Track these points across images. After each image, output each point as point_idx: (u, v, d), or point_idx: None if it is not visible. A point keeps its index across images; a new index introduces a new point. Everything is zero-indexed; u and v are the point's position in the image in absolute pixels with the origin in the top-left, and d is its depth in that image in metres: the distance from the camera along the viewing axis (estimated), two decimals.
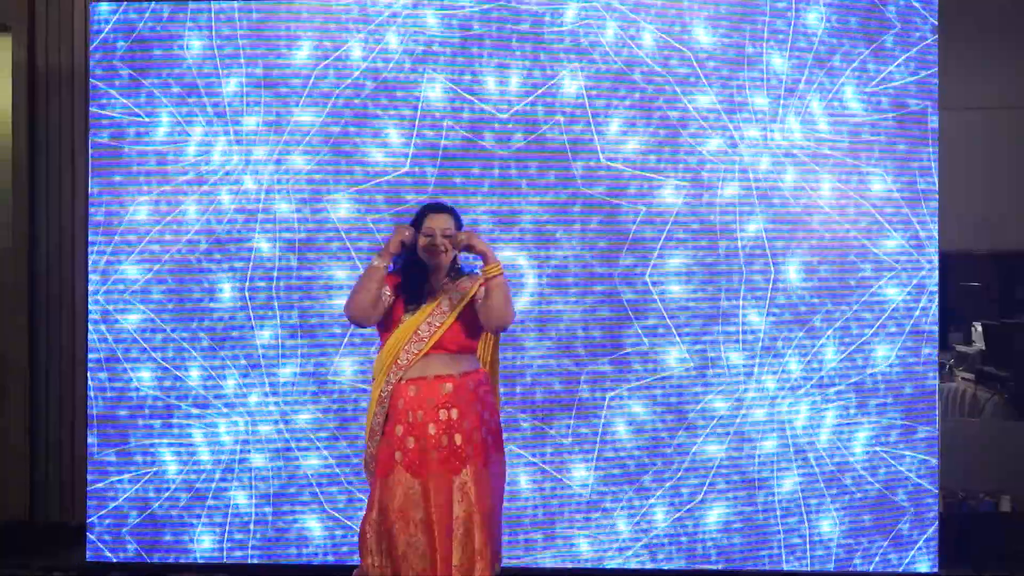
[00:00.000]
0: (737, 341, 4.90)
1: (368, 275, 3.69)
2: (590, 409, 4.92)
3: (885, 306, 4.91)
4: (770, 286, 4.90)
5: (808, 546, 4.92)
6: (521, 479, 4.92)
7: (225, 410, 4.99)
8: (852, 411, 4.91)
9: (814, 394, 4.91)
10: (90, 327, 5.03)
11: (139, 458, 5.02)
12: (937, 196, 4.90)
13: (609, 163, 4.90)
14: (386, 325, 3.77)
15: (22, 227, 5.53)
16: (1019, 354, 6.26)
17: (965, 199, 5.55)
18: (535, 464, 4.92)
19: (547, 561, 4.92)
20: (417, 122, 4.94)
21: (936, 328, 4.93)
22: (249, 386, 4.98)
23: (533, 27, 4.94)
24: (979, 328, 6.62)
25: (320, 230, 4.95)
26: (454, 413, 3.69)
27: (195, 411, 5.00)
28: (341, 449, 4.94)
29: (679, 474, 4.91)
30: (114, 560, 5.03)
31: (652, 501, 4.91)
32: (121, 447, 5.02)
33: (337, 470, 4.94)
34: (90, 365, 5.03)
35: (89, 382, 5.03)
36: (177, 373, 5.01)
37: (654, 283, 4.90)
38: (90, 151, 5.01)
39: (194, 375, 4.99)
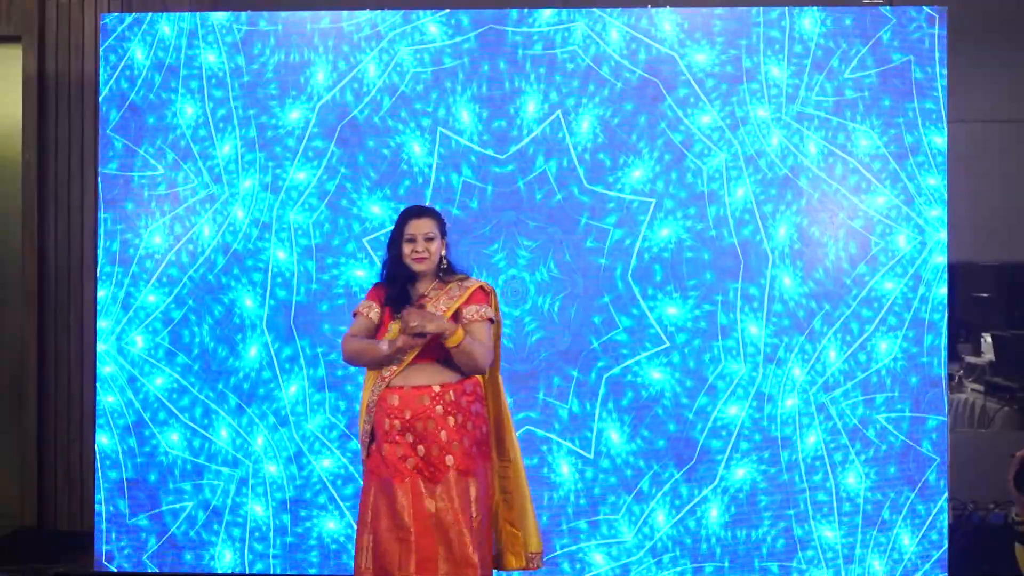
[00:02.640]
0: (737, 355, 4.90)
1: (373, 353, 3.70)
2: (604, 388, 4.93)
3: (883, 300, 4.90)
4: (765, 295, 4.90)
5: (835, 502, 4.90)
6: (563, 468, 4.93)
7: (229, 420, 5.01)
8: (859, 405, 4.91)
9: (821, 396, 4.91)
10: (100, 342, 5.04)
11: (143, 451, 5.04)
12: (946, 206, 4.90)
13: (620, 195, 4.91)
14: (377, 335, 3.77)
15: (31, 237, 5.54)
16: None
17: (974, 210, 5.55)
18: (575, 452, 4.92)
19: (593, 544, 4.92)
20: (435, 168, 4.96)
21: (942, 318, 4.92)
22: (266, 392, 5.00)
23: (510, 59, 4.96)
24: (988, 339, 6.59)
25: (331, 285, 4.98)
26: (431, 425, 3.65)
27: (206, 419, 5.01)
28: (354, 448, 4.95)
29: (702, 436, 4.90)
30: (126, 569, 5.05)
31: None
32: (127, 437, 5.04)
33: (351, 469, 4.95)
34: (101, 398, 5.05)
35: (98, 395, 5.05)
36: (184, 382, 5.02)
37: (651, 288, 4.91)
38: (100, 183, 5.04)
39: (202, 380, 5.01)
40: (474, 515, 3.65)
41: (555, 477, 4.93)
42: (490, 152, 4.95)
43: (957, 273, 5.14)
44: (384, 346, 3.67)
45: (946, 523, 4.93)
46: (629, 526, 4.92)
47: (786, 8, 4.92)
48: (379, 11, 4.98)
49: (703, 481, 4.90)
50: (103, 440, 5.02)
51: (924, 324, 4.91)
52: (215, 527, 5.01)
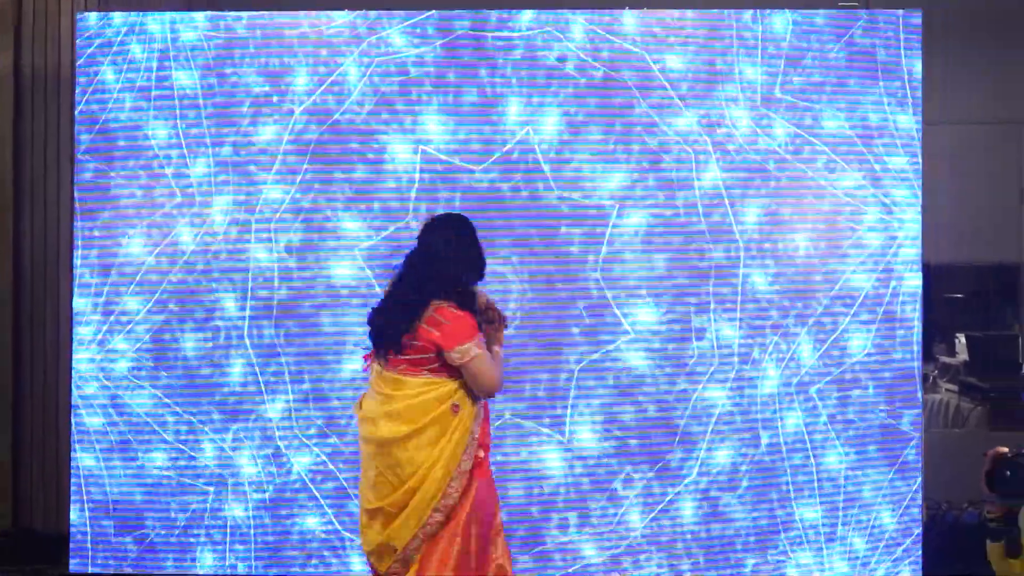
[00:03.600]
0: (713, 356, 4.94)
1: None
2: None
3: (856, 295, 4.94)
4: (739, 297, 4.93)
5: (816, 483, 4.94)
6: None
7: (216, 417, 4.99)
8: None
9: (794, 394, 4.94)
10: (75, 346, 5.02)
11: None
12: (920, 209, 4.94)
13: (592, 203, 4.93)
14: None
15: (6, 236, 5.50)
16: (1002, 365, 6.30)
17: (949, 211, 5.59)
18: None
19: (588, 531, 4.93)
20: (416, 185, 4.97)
21: (915, 314, 4.95)
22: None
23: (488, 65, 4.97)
24: (963, 340, 6.66)
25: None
26: None
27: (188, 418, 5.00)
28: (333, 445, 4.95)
29: (683, 422, 4.92)
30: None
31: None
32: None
33: (331, 467, 4.95)
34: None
35: (74, 397, 5.03)
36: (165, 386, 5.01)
37: (621, 289, 4.93)
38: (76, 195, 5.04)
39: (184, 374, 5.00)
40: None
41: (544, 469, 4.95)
42: (458, 162, 4.96)
43: (932, 274, 5.17)
44: None
45: (922, 507, 4.98)
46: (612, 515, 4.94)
47: (758, 10, 4.96)
48: (346, 15, 4.98)
49: (684, 468, 4.91)
50: (86, 459, 5.01)
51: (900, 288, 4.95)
52: (195, 530, 5.00)
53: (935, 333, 6.48)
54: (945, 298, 6.52)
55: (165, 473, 4.98)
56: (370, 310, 3.81)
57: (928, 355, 5.83)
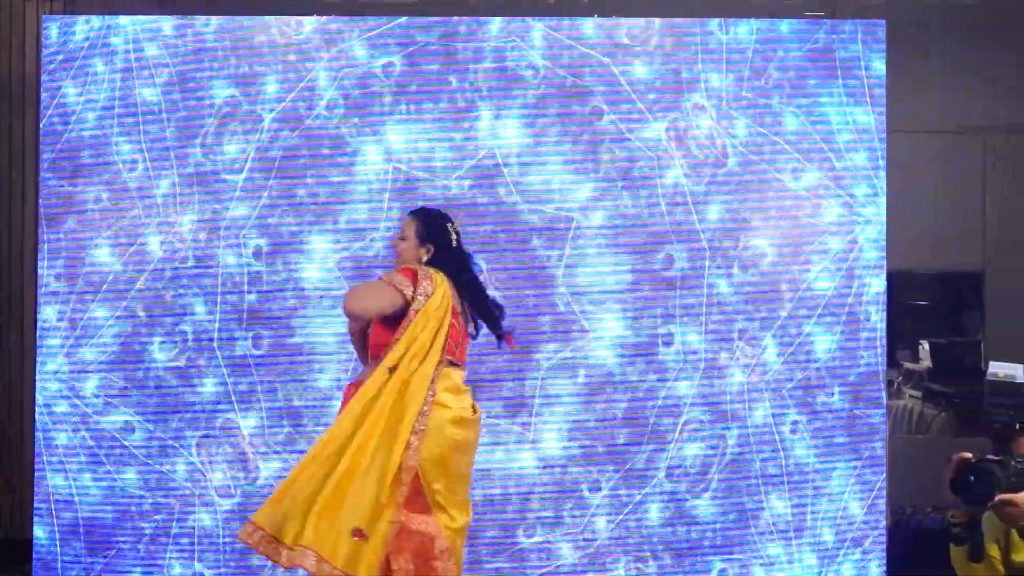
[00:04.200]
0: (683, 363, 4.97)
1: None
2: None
3: (819, 299, 4.99)
4: (704, 301, 4.96)
5: (784, 475, 4.97)
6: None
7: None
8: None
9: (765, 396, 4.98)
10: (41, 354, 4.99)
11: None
12: (885, 215, 5.00)
13: (559, 212, 4.96)
14: None
15: None
16: (965, 372, 6.36)
17: (912, 219, 5.65)
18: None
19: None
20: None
21: (876, 313, 5.01)
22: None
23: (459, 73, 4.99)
24: (926, 346, 6.72)
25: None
26: None
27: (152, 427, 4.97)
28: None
29: (652, 418, 4.94)
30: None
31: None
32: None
33: None
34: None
35: (38, 400, 4.99)
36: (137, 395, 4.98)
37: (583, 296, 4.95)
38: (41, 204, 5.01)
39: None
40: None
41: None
42: (418, 173, 4.97)
43: (896, 280, 5.24)
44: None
45: (886, 511, 5.03)
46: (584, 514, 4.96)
47: (721, 20, 5.00)
48: (315, 21, 4.98)
49: (655, 461, 4.95)
50: (54, 476, 4.99)
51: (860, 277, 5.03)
52: (162, 539, 4.96)
53: (898, 339, 6.53)
54: (908, 304, 6.57)
55: (129, 483, 4.95)
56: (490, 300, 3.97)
57: (892, 361, 5.87)
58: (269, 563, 4.82)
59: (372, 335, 3.81)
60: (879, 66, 5.02)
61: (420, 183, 4.97)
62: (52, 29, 5.01)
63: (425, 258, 3.83)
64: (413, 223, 3.87)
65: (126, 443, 4.96)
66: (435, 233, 3.88)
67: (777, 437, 4.98)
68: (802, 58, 5.02)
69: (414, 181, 4.97)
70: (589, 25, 4.99)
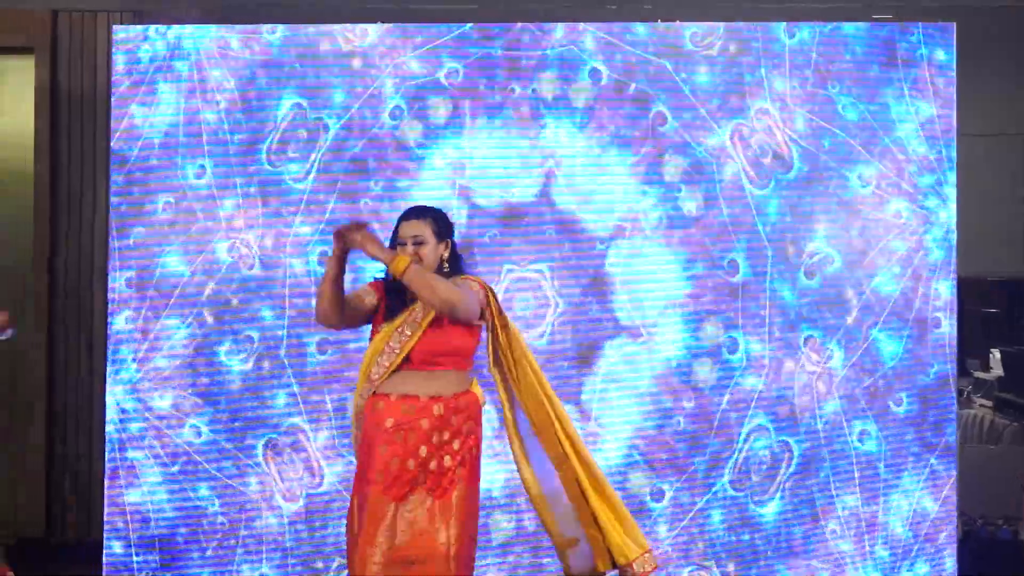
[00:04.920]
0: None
1: (322, 282, 3.56)
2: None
3: (885, 304, 4.92)
4: (767, 307, 4.91)
5: (854, 484, 4.90)
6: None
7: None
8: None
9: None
10: (110, 363, 5.06)
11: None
12: (956, 222, 4.92)
13: (623, 219, 4.95)
14: (370, 336, 3.66)
15: (42, 251, 5.54)
16: None
17: (982, 224, 5.56)
18: None
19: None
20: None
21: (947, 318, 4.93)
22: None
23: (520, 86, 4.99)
24: (997, 355, 6.59)
25: None
26: (411, 437, 3.48)
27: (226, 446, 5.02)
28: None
29: (715, 424, 4.91)
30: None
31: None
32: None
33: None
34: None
35: (108, 401, 5.06)
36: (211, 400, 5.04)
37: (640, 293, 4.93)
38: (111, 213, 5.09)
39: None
40: (449, 540, 3.46)
41: None
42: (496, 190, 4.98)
43: (964, 287, 5.14)
44: (327, 266, 3.53)
45: (956, 521, 4.94)
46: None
47: (786, 23, 4.95)
48: (378, 27, 5.01)
49: (718, 468, 4.91)
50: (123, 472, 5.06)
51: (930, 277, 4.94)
52: (230, 543, 5.01)
53: (968, 347, 6.42)
54: (979, 312, 6.46)
55: (195, 487, 5.00)
56: None
57: (962, 369, 5.78)
58: (334, 565, 4.89)
59: (448, 339, 3.59)
60: (948, 68, 4.94)
61: (484, 191, 4.97)
62: (122, 40, 5.08)
63: (445, 254, 3.65)
64: (428, 223, 3.61)
65: (193, 447, 5.00)
66: (450, 227, 3.71)
67: (843, 445, 4.90)
68: (868, 61, 4.95)
69: (478, 189, 4.96)
70: (652, 31, 4.97)
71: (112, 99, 5.10)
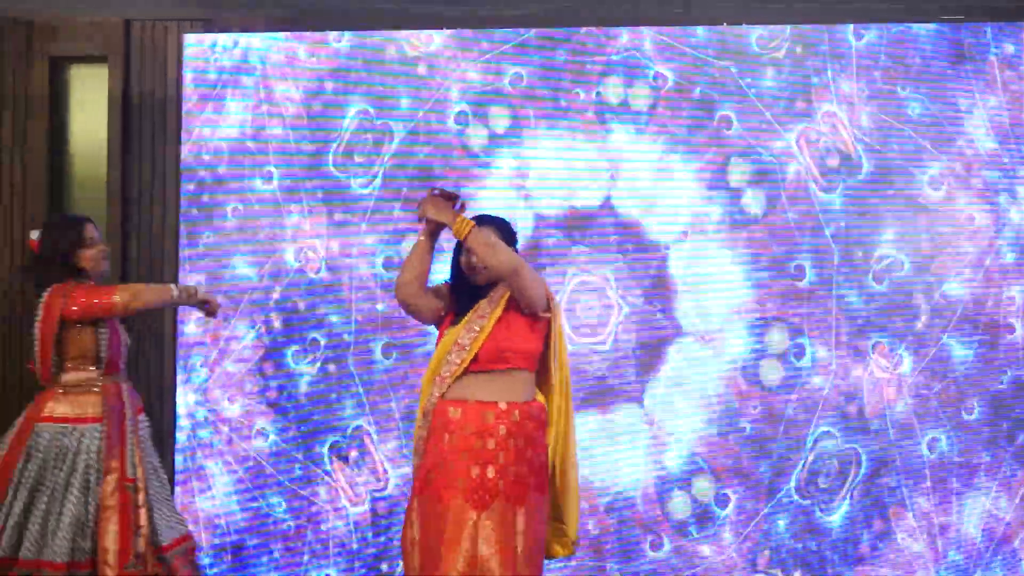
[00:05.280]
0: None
1: (412, 252, 3.65)
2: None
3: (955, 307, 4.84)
4: (834, 312, 4.85)
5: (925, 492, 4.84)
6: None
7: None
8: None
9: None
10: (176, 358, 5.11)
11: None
12: None
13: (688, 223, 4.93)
14: (437, 341, 3.65)
15: (115, 256, 5.47)
16: None
17: None
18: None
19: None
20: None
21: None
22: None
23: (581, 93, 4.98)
24: None
25: None
26: (490, 444, 3.45)
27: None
28: None
29: (781, 429, 4.87)
30: None
31: None
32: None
33: None
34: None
35: (178, 408, 5.13)
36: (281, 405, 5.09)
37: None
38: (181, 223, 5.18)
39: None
40: (518, 548, 3.44)
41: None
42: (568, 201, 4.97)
43: None
44: (418, 235, 3.61)
45: None
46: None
47: (854, 24, 4.89)
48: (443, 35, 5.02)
49: (785, 474, 4.87)
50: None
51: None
52: (296, 546, 5.06)
53: None
54: None
55: (263, 489, 5.05)
56: None
57: None
58: (399, 569, 4.92)
59: (515, 335, 3.55)
60: (1018, 66, 4.84)
61: (548, 196, 4.97)
62: (192, 49, 5.18)
63: None
64: (492, 231, 3.59)
65: (261, 453, 5.06)
66: (513, 236, 3.70)
67: (913, 452, 4.83)
68: (938, 61, 4.87)
69: (542, 194, 4.97)
70: (717, 34, 4.93)
71: (182, 107, 5.18)
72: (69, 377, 4.04)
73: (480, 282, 3.61)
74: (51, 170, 5.65)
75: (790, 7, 5.05)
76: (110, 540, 3.92)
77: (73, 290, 4.03)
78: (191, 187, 5.14)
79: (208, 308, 4.22)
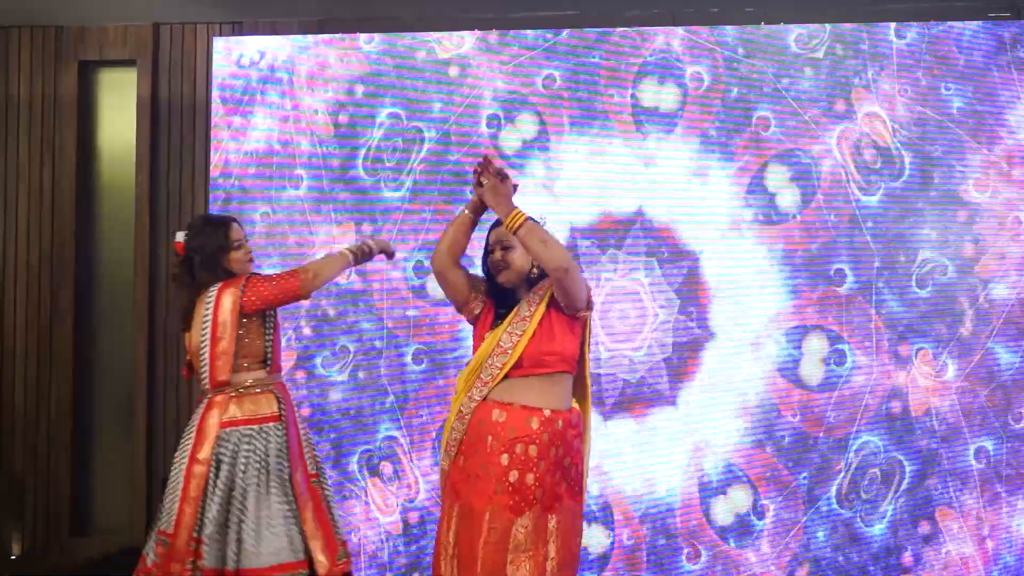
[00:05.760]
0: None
1: (451, 222, 3.56)
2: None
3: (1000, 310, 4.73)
4: (873, 317, 4.75)
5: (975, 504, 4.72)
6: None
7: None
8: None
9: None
10: None
11: None
12: None
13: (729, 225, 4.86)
14: (474, 347, 3.55)
15: (143, 259, 5.58)
16: None
17: None
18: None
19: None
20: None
21: None
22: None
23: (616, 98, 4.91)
24: None
25: None
26: (532, 450, 3.36)
27: None
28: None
29: (821, 435, 4.78)
30: None
31: None
32: None
33: None
34: None
35: None
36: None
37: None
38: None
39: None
40: (550, 555, 3.36)
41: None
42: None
43: None
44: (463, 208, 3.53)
45: None
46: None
47: (896, 23, 4.81)
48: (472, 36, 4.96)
49: (825, 486, 4.78)
50: None
51: None
52: None
53: None
54: None
55: None
56: None
57: None
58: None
59: (555, 338, 3.45)
60: None
61: (582, 198, 4.90)
62: (222, 54, 5.15)
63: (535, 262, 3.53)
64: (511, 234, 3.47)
65: None
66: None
67: (959, 462, 4.72)
68: (983, 60, 4.76)
69: (575, 196, 4.90)
70: (755, 34, 4.85)
71: (211, 111, 5.16)
72: (241, 378, 3.90)
73: (502, 281, 3.51)
74: (80, 175, 5.66)
75: (830, 6, 4.97)
76: (318, 535, 3.83)
77: (248, 282, 3.88)
78: (220, 193, 5.08)
79: (387, 252, 4.08)
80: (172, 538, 3.78)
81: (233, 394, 3.88)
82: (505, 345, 3.43)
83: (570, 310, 3.45)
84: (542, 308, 3.45)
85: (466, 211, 3.54)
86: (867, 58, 4.79)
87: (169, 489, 3.86)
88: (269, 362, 3.94)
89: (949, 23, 4.80)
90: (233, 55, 5.14)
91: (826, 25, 4.84)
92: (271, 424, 3.88)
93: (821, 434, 4.76)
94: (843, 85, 4.81)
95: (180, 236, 4.00)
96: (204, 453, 3.83)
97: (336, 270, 4.00)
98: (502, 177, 3.45)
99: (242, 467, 3.81)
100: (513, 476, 3.35)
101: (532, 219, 3.41)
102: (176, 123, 5.61)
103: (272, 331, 3.96)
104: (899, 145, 4.77)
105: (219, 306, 3.85)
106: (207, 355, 3.88)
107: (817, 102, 4.81)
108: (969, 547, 4.70)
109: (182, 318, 3.99)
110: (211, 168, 5.18)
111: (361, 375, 4.99)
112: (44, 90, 5.67)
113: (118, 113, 5.72)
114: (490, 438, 3.39)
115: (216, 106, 5.16)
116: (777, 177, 4.83)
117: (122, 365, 5.72)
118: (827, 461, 4.76)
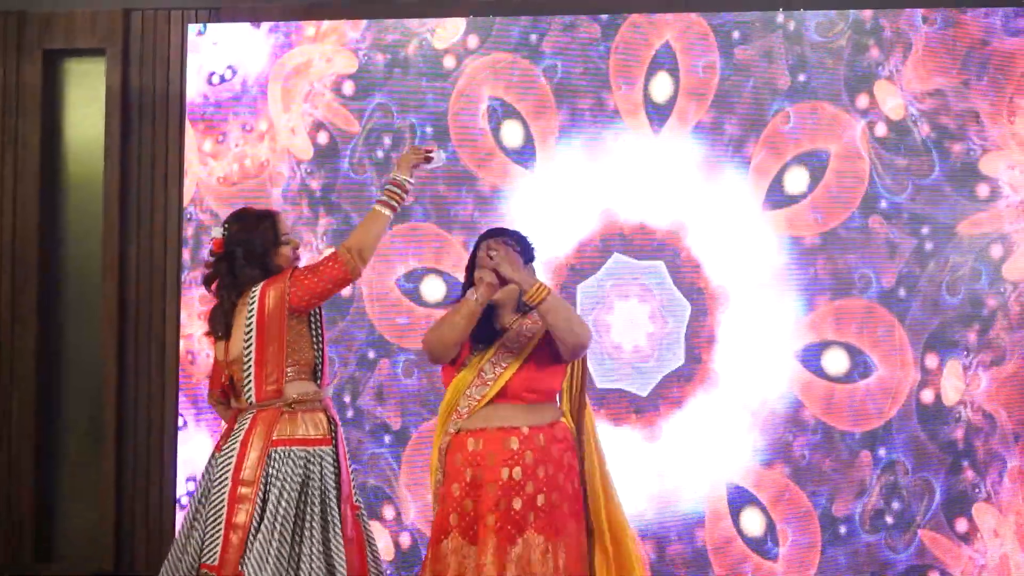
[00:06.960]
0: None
1: (460, 309, 3.24)
2: None
3: None
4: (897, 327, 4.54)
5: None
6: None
7: None
8: None
9: None
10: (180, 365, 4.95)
11: None
12: None
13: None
14: (445, 375, 3.37)
15: (112, 256, 5.38)
16: None
17: None
18: None
19: None
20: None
21: None
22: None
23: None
24: None
25: None
26: (516, 472, 3.20)
27: None
28: None
29: (844, 453, 4.58)
30: None
31: None
32: None
33: None
34: None
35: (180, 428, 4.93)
36: None
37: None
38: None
39: None
40: None
41: None
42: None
43: None
44: (470, 294, 3.22)
45: None
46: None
47: (922, 11, 4.62)
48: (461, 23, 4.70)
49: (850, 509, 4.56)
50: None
51: None
52: None
53: None
54: None
55: None
56: None
57: None
58: None
59: (546, 374, 3.32)
60: None
61: (584, 196, 4.72)
62: (197, 42, 5.04)
63: None
64: (514, 245, 3.37)
65: None
66: (530, 251, 3.41)
67: (992, 481, 4.49)
68: (1012, 49, 4.54)
69: (578, 193, 4.72)
70: (771, 20, 4.65)
71: (186, 101, 5.04)
72: (291, 391, 3.43)
73: (499, 316, 3.35)
74: (44, 170, 5.48)
75: None
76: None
77: (294, 276, 3.41)
78: (194, 187, 4.95)
79: (428, 158, 3.55)
80: (218, 571, 3.31)
81: (285, 409, 3.42)
82: (487, 376, 3.28)
83: (568, 358, 3.32)
84: (532, 346, 3.30)
85: (478, 298, 3.23)
86: (891, 47, 4.59)
87: (210, 516, 3.39)
88: (320, 375, 3.51)
89: (973, 10, 4.59)
90: (208, 44, 5.01)
91: (848, 11, 4.63)
92: (324, 448, 3.43)
93: (844, 453, 4.54)
94: (866, 77, 4.60)
95: (217, 232, 3.54)
96: (250, 474, 3.36)
97: (378, 235, 3.50)
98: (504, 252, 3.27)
99: (294, 493, 3.35)
100: (502, 504, 3.20)
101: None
102: (148, 116, 5.41)
103: (321, 338, 3.50)
104: (927, 140, 4.55)
105: (263, 305, 3.40)
106: (252, 363, 3.42)
107: (840, 93, 4.60)
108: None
109: (222, 324, 3.50)
110: (184, 166, 5.05)
111: (351, 386, 4.85)
112: (6, 80, 5.46)
113: (86, 105, 5.53)
114: (468, 470, 3.24)
115: (191, 97, 5.03)
116: (799, 174, 4.64)
117: (90, 371, 5.50)
118: (850, 482, 4.54)
